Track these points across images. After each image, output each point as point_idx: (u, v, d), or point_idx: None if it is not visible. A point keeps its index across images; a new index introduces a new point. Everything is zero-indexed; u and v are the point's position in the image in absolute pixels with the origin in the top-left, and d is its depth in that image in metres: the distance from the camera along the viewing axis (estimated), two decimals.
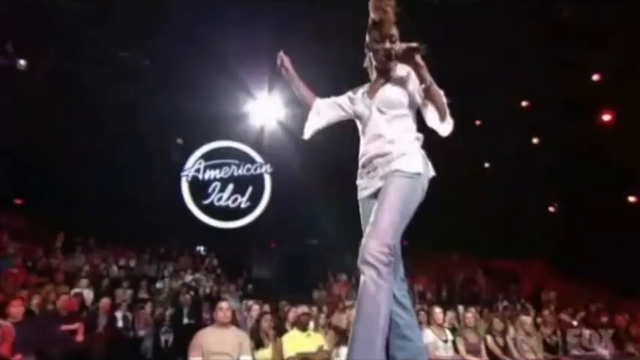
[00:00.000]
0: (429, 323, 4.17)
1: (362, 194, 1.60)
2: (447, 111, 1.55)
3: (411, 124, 1.62)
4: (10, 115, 8.85)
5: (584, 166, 8.13)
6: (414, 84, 1.57)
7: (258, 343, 3.56)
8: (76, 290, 5.82)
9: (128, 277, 7.64)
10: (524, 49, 7.00)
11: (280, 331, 3.86)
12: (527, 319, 4.29)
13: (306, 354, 3.14)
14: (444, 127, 1.58)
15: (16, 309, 3.46)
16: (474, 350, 3.85)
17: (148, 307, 6.53)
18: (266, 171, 12.80)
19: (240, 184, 12.46)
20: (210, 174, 12.56)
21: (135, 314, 6.21)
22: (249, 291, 8.39)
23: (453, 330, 4.22)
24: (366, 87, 1.71)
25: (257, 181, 12.71)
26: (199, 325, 5.52)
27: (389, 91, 1.60)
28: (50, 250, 8.27)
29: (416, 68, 1.51)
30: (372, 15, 1.57)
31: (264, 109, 12.82)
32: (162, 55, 9.37)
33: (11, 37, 8.96)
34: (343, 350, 3.48)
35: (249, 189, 12.48)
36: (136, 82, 9.88)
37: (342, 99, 1.74)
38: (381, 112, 1.59)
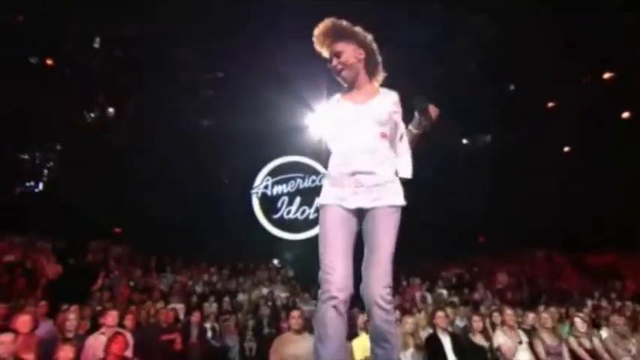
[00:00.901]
0: (502, 324, 4.07)
1: (340, 203, 1.60)
2: (411, 159, 1.68)
3: (391, 147, 1.70)
4: (106, 155, 10.54)
5: None
6: (399, 117, 1.68)
7: None
8: (171, 305, 6.67)
9: (213, 292, 8.48)
10: None
11: (351, 335, 4.13)
12: (619, 320, 3.97)
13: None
14: (407, 170, 1.68)
15: (130, 322, 4.21)
16: (554, 353, 3.67)
17: (233, 318, 7.21)
18: None
19: (307, 196, 13.18)
20: (278, 189, 13.53)
21: (221, 325, 6.91)
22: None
23: (531, 331, 4.07)
24: (338, 96, 1.78)
25: (322, 191, 13.33)
26: (278, 333, 5.99)
27: (380, 107, 1.64)
28: (147, 271, 9.53)
29: (420, 127, 1.68)
30: (320, 44, 1.72)
31: (323, 120, 13.40)
32: (229, 81, 10.50)
33: (101, 90, 10.73)
34: (408, 352, 3.62)
35: (316, 200, 13.07)
36: (208, 111, 11.14)
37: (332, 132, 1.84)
38: (369, 125, 1.62)
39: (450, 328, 4.21)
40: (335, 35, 1.67)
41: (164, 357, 4.54)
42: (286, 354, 3.51)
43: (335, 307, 1.45)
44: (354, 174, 1.57)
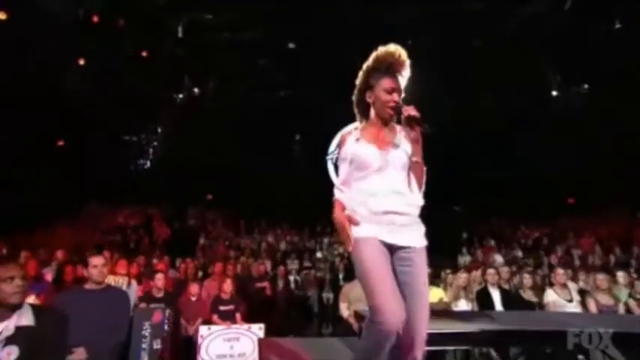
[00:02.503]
0: (551, 284, 4.44)
1: (377, 236, 1.60)
2: (422, 188, 1.69)
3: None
4: (193, 131, 12.28)
5: None
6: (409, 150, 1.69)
7: None
8: (260, 261, 8.09)
9: (294, 250, 9.83)
10: None
11: None
12: None
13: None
14: (417, 198, 1.70)
15: (231, 272, 5.55)
16: (608, 312, 3.96)
17: (312, 273, 8.43)
18: None
19: None
20: None
21: (303, 278, 8.18)
22: None
23: (585, 292, 4.36)
24: (357, 134, 1.72)
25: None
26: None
27: (402, 150, 1.66)
28: (237, 233, 11.28)
29: (411, 139, 1.64)
30: (388, 65, 1.69)
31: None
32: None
33: (187, 73, 12.34)
34: (460, 303, 4.29)
35: None
36: (285, 82, 12.19)
37: (346, 166, 1.75)
38: (397, 170, 1.64)
39: (504, 285, 4.72)
40: (402, 68, 1.69)
41: (257, 300, 5.81)
42: (353, 297, 4.44)
43: (391, 339, 1.45)
44: (386, 213, 1.58)
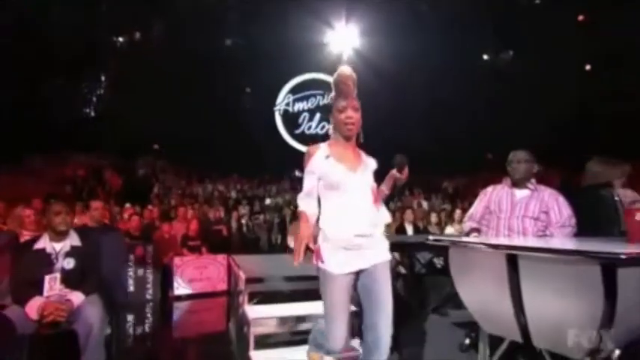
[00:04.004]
0: (452, 220, 5.94)
1: (338, 269, 1.67)
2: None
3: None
4: (138, 79, 12.21)
5: None
6: (371, 172, 1.81)
7: None
8: (215, 207, 9.00)
9: (245, 198, 10.82)
10: None
11: None
12: None
13: None
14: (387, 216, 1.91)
15: (190, 216, 6.45)
16: None
17: (262, 217, 9.54)
18: None
19: (327, 112, 14.50)
20: (299, 106, 14.89)
21: (253, 223, 9.27)
22: None
23: None
24: (326, 150, 1.75)
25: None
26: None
27: (369, 171, 1.79)
28: (189, 182, 11.97)
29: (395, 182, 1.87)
30: (337, 86, 1.79)
31: (342, 38, 14.26)
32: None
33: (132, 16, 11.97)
34: None
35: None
36: (231, 32, 12.29)
37: (312, 179, 1.76)
38: (365, 190, 1.71)
39: (417, 222, 6.18)
40: (348, 87, 1.77)
41: (216, 240, 6.82)
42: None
43: (334, 352, 1.73)
44: (355, 237, 1.65)
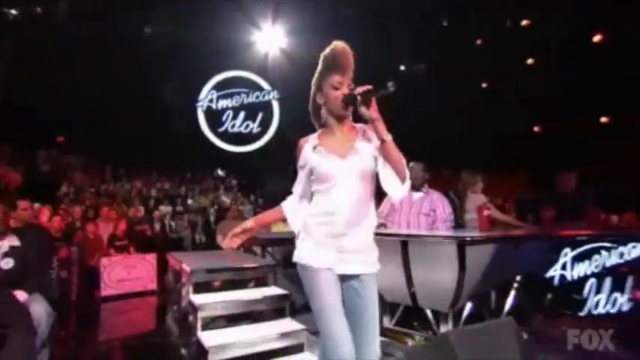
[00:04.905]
0: None
1: (328, 266, 1.53)
2: (407, 172, 1.51)
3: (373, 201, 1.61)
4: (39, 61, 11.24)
5: None
6: (376, 145, 1.53)
7: None
8: (136, 207, 8.85)
9: (167, 197, 10.70)
10: None
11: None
12: None
13: (281, 233, 5.95)
14: (402, 191, 1.53)
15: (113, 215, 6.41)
16: None
17: (185, 217, 9.59)
18: (274, 97, 14.91)
19: (251, 111, 14.68)
20: (223, 103, 14.79)
21: (176, 222, 9.30)
22: (260, 204, 11.36)
23: None
24: (314, 141, 1.62)
25: (266, 107, 14.87)
26: None
27: (363, 156, 1.55)
28: (104, 180, 11.42)
29: (372, 119, 1.47)
30: (333, 60, 1.58)
31: (269, 37, 14.61)
32: None
33: None
34: None
35: (260, 115, 14.76)
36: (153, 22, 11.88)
37: (303, 176, 1.64)
38: (355, 180, 1.53)
39: None
40: (347, 62, 1.60)
41: (140, 240, 6.83)
42: (228, 231, 6.01)
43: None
44: (338, 237, 1.51)
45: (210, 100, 14.76)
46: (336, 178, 1.53)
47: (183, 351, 3.03)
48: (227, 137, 14.44)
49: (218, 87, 14.84)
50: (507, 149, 9.53)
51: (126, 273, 5.13)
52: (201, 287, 3.14)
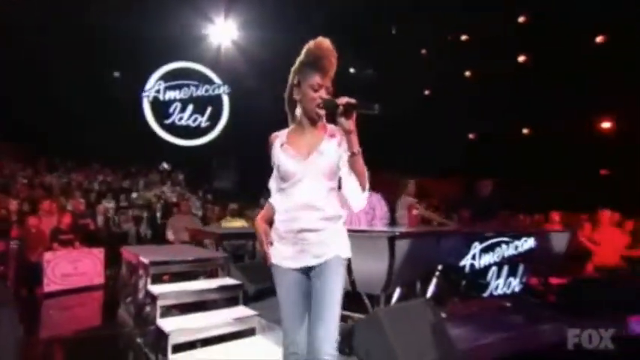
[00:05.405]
0: None
1: (285, 263, 1.60)
2: (367, 183, 1.56)
3: (337, 196, 1.63)
4: None
5: None
6: (343, 150, 1.56)
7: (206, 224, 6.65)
8: (78, 199, 8.55)
9: (110, 190, 10.38)
10: None
11: (221, 217, 6.96)
12: None
13: (231, 227, 6.16)
14: (362, 201, 1.58)
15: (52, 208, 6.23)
16: None
17: (129, 212, 9.41)
18: (224, 92, 14.79)
19: (200, 104, 14.41)
20: (171, 94, 14.33)
21: (119, 217, 9.11)
22: (208, 199, 11.37)
23: None
24: (283, 137, 1.65)
25: (216, 101, 14.71)
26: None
27: (326, 158, 1.56)
28: (37, 172, 10.80)
29: (347, 131, 1.48)
30: (316, 60, 1.56)
31: (221, 30, 14.46)
32: None
33: None
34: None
35: (209, 109, 14.57)
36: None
37: (275, 172, 1.67)
38: (316, 180, 1.56)
39: None
40: (331, 66, 1.58)
41: (83, 234, 6.69)
42: (177, 227, 6.11)
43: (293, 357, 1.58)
44: (300, 231, 1.56)
45: (158, 91, 14.27)
46: (297, 176, 1.57)
47: (139, 340, 3.22)
48: (174, 130, 14.07)
49: (166, 77, 14.38)
50: (444, 154, 10.44)
51: (72, 268, 5.10)
52: (157, 279, 3.34)
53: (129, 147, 12.62)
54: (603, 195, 6.15)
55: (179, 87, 14.49)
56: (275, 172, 1.67)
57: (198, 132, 14.46)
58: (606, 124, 8.32)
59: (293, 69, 1.63)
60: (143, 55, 13.21)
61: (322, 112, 1.56)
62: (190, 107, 14.48)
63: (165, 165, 14.44)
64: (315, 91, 1.56)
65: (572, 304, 3.27)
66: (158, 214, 9.79)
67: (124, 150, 12.47)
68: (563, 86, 8.01)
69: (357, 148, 1.50)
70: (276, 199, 1.68)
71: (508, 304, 3.31)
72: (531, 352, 2.77)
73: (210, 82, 14.81)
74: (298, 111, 1.64)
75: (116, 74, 13.07)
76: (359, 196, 1.56)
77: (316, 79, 1.56)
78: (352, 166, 1.53)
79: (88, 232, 6.96)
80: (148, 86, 14.11)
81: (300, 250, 1.58)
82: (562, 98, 7.96)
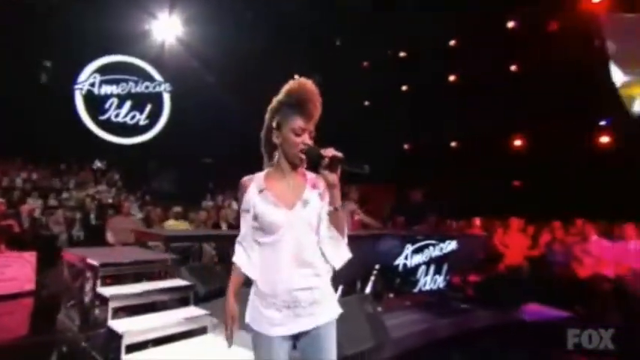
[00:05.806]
0: None
1: (273, 331, 1.42)
2: (346, 238, 1.46)
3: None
4: None
5: None
6: (325, 202, 1.45)
7: (148, 226, 6.56)
8: None
9: (36, 189, 9.66)
10: None
11: (163, 219, 6.87)
12: None
13: (176, 229, 6.13)
14: (345, 257, 1.48)
15: None
16: None
17: (59, 212, 8.84)
18: (165, 90, 14.26)
19: (139, 101, 13.71)
20: (107, 89, 13.46)
21: (47, 218, 8.53)
22: (147, 200, 10.99)
23: None
24: (260, 182, 1.49)
25: (156, 99, 14.13)
26: (104, 224, 8.09)
27: (312, 208, 1.44)
28: None
29: (331, 185, 1.38)
30: (300, 103, 1.44)
31: (165, 27, 13.97)
32: None
33: None
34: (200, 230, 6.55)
35: (148, 107, 13.95)
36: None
37: (249, 219, 1.48)
38: (304, 232, 1.42)
39: (232, 221, 7.34)
40: (315, 109, 1.47)
41: (6, 238, 6.23)
42: (119, 228, 5.97)
43: None
44: (291, 291, 1.40)
45: (92, 84, 13.35)
46: (283, 229, 1.42)
47: (85, 344, 3.20)
48: (109, 127, 13.25)
49: (102, 71, 13.50)
50: (381, 163, 11.01)
51: None
52: (104, 281, 3.33)
53: (57, 142, 11.75)
54: (515, 204, 7.06)
55: (116, 82, 13.69)
56: (249, 223, 1.49)
57: (136, 130, 13.80)
58: (518, 142, 9.51)
59: (270, 108, 1.51)
60: (79, 45, 12.40)
61: (304, 156, 1.45)
62: (128, 104, 13.74)
63: (99, 163, 13.60)
64: (298, 135, 1.44)
65: (485, 297, 3.84)
66: (92, 216, 9.29)
67: (51, 145, 11.60)
68: (485, 105, 9.00)
69: (339, 203, 1.42)
70: (251, 257, 1.49)
71: (433, 298, 3.81)
72: (453, 337, 3.24)
73: (151, 79, 14.21)
74: (278, 154, 1.50)
75: (47, 63, 12.10)
76: (343, 252, 1.46)
77: (299, 122, 1.44)
78: (334, 221, 1.43)
79: (11, 234, 6.50)
80: (81, 78, 13.18)
81: (291, 314, 1.41)
82: (484, 116, 8.94)
